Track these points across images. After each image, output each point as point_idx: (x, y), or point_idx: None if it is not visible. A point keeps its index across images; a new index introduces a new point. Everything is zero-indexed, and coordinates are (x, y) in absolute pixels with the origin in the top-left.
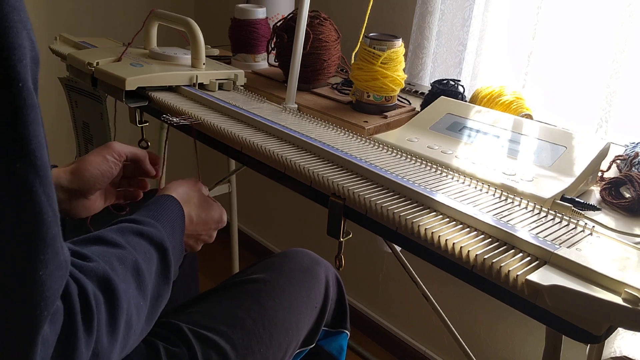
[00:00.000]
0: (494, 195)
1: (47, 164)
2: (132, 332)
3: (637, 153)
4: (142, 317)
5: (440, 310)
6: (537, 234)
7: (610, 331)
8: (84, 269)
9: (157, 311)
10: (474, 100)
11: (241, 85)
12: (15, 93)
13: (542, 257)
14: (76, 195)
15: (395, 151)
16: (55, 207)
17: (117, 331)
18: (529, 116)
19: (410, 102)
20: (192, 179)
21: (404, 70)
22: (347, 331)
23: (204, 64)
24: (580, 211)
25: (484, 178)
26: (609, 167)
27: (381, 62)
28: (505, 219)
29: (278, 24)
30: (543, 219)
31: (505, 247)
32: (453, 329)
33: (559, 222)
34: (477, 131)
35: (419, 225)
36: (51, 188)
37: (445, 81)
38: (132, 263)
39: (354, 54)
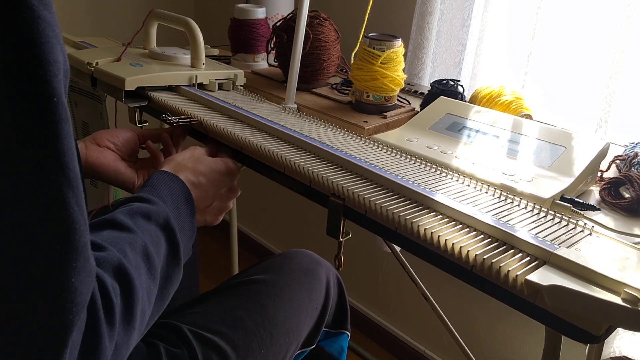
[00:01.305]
0: (493, 195)
1: (78, 175)
2: (146, 318)
3: (636, 153)
4: (152, 301)
5: (440, 311)
6: (536, 234)
7: (609, 331)
8: (99, 261)
9: (169, 292)
10: (474, 100)
11: (241, 85)
12: (51, 108)
13: (542, 257)
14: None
15: (394, 151)
16: (86, 216)
17: (134, 320)
18: (529, 116)
19: (410, 102)
20: (185, 150)
21: (403, 70)
22: (347, 332)
23: (203, 64)
24: (580, 211)
25: (483, 178)
26: (609, 167)
27: (381, 62)
28: (504, 219)
29: (278, 24)
30: (542, 219)
31: (504, 247)
32: (453, 329)
33: (559, 222)
34: (477, 131)
35: (418, 226)
36: (82, 197)
37: (444, 81)
38: (141, 247)
39: (353, 54)
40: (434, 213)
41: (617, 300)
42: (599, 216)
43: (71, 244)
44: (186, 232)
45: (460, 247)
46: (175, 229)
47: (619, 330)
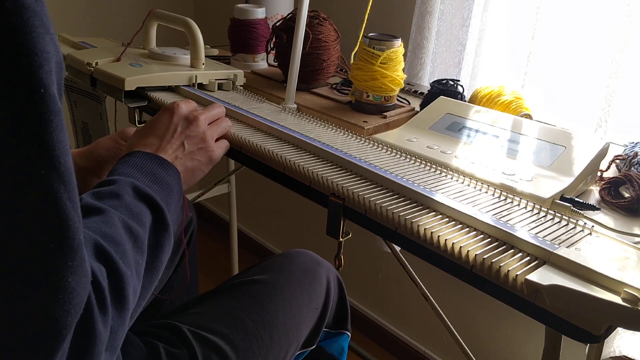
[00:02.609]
0: (493, 195)
1: (71, 169)
2: (137, 294)
3: (636, 153)
4: (141, 275)
5: (440, 310)
6: (536, 233)
7: (609, 331)
8: None
9: (161, 261)
10: (473, 100)
11: (240, 85)
12: (37, 99)
13: (542, 257)
14: (90, 174)
15: (394, 151)
16: (80, 213)
17: (126, 301)
18: (528, 116)
19: (410, 102)
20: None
21: (403, 70)
22: (348, 332)
23: (203, 64)
24: (580, 211)
25: (483, 178)
26: (608, 167)
27: (380, 62)
28: (504, 219)
29: (277, 24)
30: (542, 219)
31: (504, 247)
32: (453, 329)
33: (559, 222)
34: (477, 131)
35: (418, 225)
36: (75, 193)
37: (444, 81)
38: (120, 223)
39: (353, 54)
40: (433, 213)
41: (617, 299)
42: (598, 216)
43: (66, 241)
44: (167, 191)
45: (460, 247)
46: (150, 193)
47: (619, 329)
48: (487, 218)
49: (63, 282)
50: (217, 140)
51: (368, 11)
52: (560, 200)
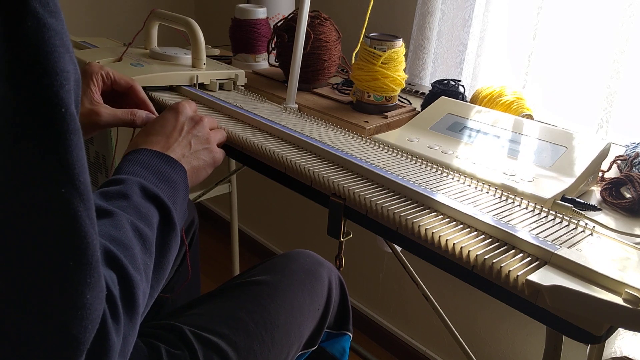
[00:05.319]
0: (494, 195)
1: (89, 187)
2: (146, 297)
3: (637, 153)
4: (150, 277)
5: (441, 311)
6: (537, 234)
7: (610, 331)
8: None
9: (168, 260)
10: (475, 100)
11: (241, 85)
12: (58, 119)
13: (543, 258)
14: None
15: (395, 151)
16: (97, 230)
17: (137, 306)
18: (530, 116)
19: (411, 102)
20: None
21: (404, 70)
22: (349, 333)
23: (204, 64)
24: (581, 211)
25: (484, 178)
26: (610, 168)
27: (382, 62)
28: (505, 219)
29: (278, 24)
30: (543, 219)
31: (505, 247)
32: (453, 329)
33: (560, 223)
34: (478, 131)
35: (419, 225)
36: (93, 210)
37: (445, 81)
38: (129, 225)
39: (354, 54)
40: (434, 213)
41: (618, 300)
42: (599, 216)
43: (85, 259)
44: (174, 190)
45: (461, 247)
46: (157, 193)
47: (620, 330)
48: (488, 218)
49: (81, 299)
50: None
51: (369, 11)
52: (561, 200)
